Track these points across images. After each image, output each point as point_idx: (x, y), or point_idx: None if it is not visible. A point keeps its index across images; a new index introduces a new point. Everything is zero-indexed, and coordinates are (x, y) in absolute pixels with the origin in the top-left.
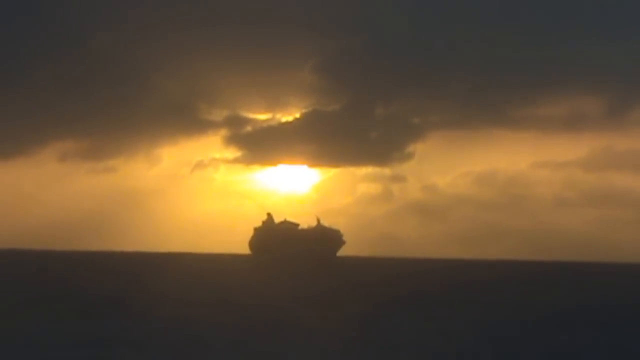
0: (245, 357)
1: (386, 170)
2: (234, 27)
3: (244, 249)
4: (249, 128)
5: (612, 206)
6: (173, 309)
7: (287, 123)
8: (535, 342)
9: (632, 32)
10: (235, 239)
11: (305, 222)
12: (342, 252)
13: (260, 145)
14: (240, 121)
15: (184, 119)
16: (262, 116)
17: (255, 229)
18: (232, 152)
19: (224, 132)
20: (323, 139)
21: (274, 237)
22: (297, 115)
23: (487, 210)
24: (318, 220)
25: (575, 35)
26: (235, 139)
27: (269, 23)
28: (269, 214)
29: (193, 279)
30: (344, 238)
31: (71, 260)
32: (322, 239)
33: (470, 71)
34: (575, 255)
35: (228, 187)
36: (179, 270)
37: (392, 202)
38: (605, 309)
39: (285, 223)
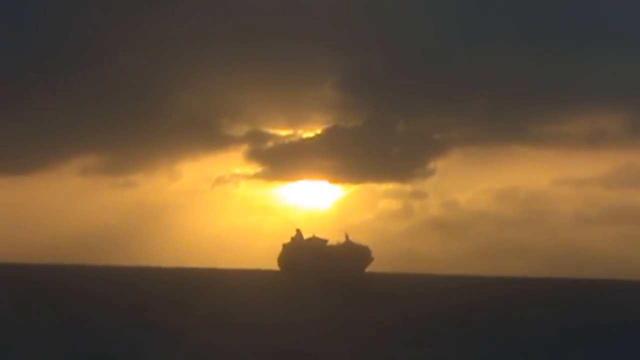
0: None
1: (407, 187)
2: (256, 43)
3: (265, 264)
4: (270, 144)
5: (634, 223)
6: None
7: (308, 139)
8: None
9: None
10: (255, 255)
11: (331, 238)
12: (369, 268)
13: (282, 160)
14: (262, 137)
15: (205, 134)
16: (283, 132)
17: (284, 245)
18: (253, 168)
19: (245, 147)
20: (344, 155)
21: (303, 253)
22: (319, 131)
23: (508, 227)
24: (347, 237)
25: (597, 52)
26: (256, 155)
27: (290, 39)
28: (297, 230)
29: (230, 297)
30: (372, 254)
31: (91, 274)
32: (351, 255)
33: (492, 88)
34: (596, 273)
35: (249, 202)
36: (215, 288)
37: (413, 218)
38: (627, 326)
39: (314, 239)
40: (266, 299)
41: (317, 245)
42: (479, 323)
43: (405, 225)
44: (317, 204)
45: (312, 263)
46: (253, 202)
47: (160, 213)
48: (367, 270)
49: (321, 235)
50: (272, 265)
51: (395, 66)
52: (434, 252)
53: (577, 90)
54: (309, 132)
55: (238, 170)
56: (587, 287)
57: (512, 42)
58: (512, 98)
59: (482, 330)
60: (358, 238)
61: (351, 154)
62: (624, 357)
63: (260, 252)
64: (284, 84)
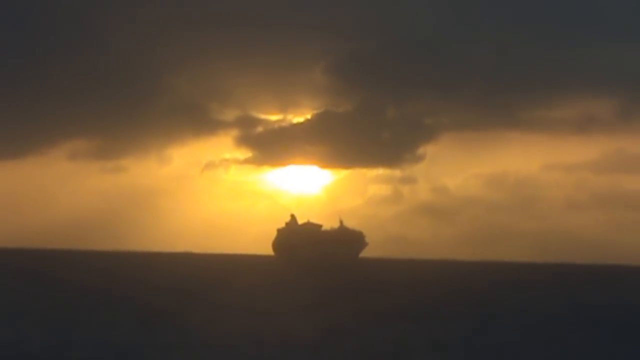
0: None
1: (397, 172)
2: (246, 28)
3: (255, 249)
4: (260, 128)
5: (623, 209)
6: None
7: (298, 124)
8: (543, 345)
9: None
10: (245, 239)
11: (321, 222)
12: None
13: (272, 145)
14: (252, 121)
15: (195, 119)
16: (273, 117)
17: (279, 230)
18: (243, 153)
19: (235, 132)
20: (334, 140)
21: (297, 238)
22: (309, 116)
23: (498, 212)
24: (341, 222)
25: (587, 38)
26: (246, 140)
27: (281, 24)
28: (292, 215)
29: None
30: (366, 240)
31: (80, 259)
32: (345, 241)
33: (483, 73)
34: (585, 258)
35: (238, 187)
36: (214, 274)
37: (403, 203)
38: (615, 311)
39: (308, 224)
40: (272, 285)
41: (311, 231)
42: (471, 308)
43: (395, 210)
44: (306, 189)
45: (306, 248)
46: (243, 187)
47: (150, 198)
48: (360, 255)
49: (312, 220)
50: (263, 250)
51: (386, 51)
52: (423, 237)
53: (568, 76)
54: (299, 117)
55: (228, 155)
56: (577, 272)
57: (503, 29)
58: (502, 83)
59: (473, 315)
60: (348, 223)
61: (341, 139)
62: (613, 340)
63: (250, 237)
64: (274, 69)
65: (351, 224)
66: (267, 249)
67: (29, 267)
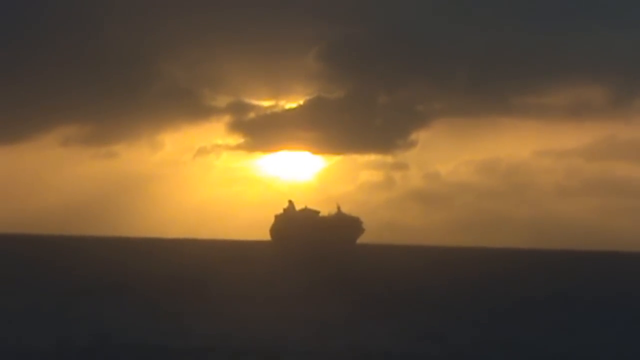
0: None
1: (389, 158)
2: (239, 13)
3: (247, 235)
4: (252, 114)
5: (614, 195)
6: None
7: (290, 110)
8: (534, 330)
9: (637, 21)
10: (237, 225)
11: (314, 208)
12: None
13: (264, 131)
14: (244, 107)
15: (187, 105)
16: (265, 103)
17: (276, 216)
18: (235, 139)
19: (227, 118)
20: (326, 126)
21: (295, 224)
22: (301, 102)
23: (489, 199)
24: (338, 208)
25: (579, 24)
26: (238, 126)
27: (273, 9)
28: (290, 201)
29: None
30: (363, 226)
31: (72, 245)
32: (342, 227)
33: (475, 59)
34: (576, 244)
35: (230, 173)
36: (215, 261)
37: (395, 190)
38: (606, 297)
39: (306, 210)
40: (271, 272)
41: (309, 217)
42: (466, 295)
43: (387, 196)
44: (298, 174)
45: (304, 234)
46: (235, 173)
47: (142, 184)
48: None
49: (299, 206)
50: (256, 235)
51: (379, 38)
52: (415, 224)
53: (560, 62)
54: (291, 103)
55: (220, 141)
56: (568, 258)
57: (495, 14)
58: (494, 70)
59: (465, 301)
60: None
61: (333, 125)
62: (603, 326)
63: (242, 223)
64: (267, 55)
65: (344, 209)
66: (260, 235)
67: (20, 253)
